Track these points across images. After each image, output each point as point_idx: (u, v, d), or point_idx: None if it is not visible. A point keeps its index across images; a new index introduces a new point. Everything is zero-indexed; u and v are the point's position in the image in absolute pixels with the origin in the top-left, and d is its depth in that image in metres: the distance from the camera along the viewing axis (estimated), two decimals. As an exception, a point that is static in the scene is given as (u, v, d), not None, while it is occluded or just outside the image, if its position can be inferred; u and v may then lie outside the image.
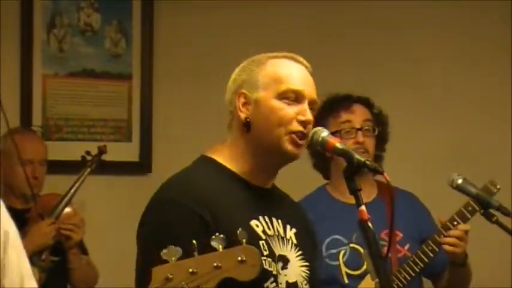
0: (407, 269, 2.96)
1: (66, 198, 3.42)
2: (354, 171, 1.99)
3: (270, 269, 2.07)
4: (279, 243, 2.13)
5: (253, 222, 2.09)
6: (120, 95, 4.04)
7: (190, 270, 1.71)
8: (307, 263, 2.18)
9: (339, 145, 2.05)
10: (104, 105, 4.02)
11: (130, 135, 4.05)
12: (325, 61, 4.09)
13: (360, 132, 3.02)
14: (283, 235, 2.15)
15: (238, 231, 1.76)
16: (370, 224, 1.96)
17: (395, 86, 4.22)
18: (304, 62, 2.18)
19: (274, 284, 2.07)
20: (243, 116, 2.11)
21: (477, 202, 2.82)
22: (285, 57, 2.17)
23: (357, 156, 1.99)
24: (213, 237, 1.74)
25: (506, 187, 4.03)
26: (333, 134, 2.98)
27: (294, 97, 2.10)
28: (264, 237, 2.09)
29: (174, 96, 4.07)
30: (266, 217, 2.12)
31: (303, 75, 2.14)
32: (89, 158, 3.58)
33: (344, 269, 2.95)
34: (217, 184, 2.09)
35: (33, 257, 3.31)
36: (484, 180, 2.94)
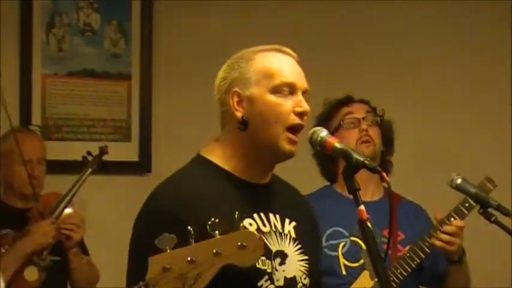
0: (404, 264, 2.96)
1: (67, 198, 3.42)
2: (353, 171, 1.99)
3: (263, 267, 2.06)
4: (277, 239, 2.12)
5: (247, 221, 2.07)
6: (120, 95, 4.04)
7: (189, 258, 1.65)
8: (306, 257, 2.17)
9: (338, 145, 2.04)
10: (104, 105, 4.02)
11: (129, 135, 4.05)
12: (324, 62, 4.10)
13: (362, 121, 3.06)
14: (280, 230, 2.13)
15: (235, 215, 1.73)
16: (369, 224, 1.95)
17: (395, 88, 4.22)
18: (291, 52, 2.17)
19: (268, 282, 2.07)
20: (239, 114, 2.09)
21: (476, 201, 2.82)
22: (272, 49, 2.15)
23: (356, 155, 1.99)
24: (209, 223, 1.69)
25: (507, 187, 4.04)
26: (336, 128, 3.04)
27: (288, 90, 2.09)
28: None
29: (174, 96, 4.07)
30: (262, 214, 2.11)
31: (293, 67, 2.13)
32: (90, 158, 3.58)
33: (342, 260, 2.96)
34: (210, 186, 2.08)
35: (34, 257, 3.32)
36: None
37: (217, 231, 1.69)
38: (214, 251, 1.67)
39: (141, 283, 1.67)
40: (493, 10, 4.31)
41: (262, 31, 4.01)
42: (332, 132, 3.00)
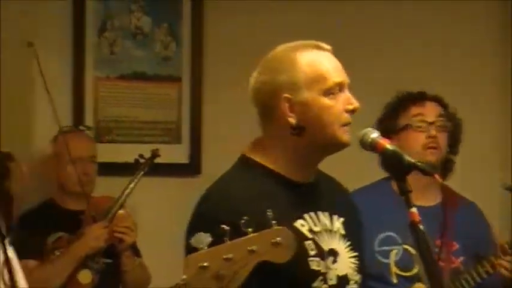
0: (458, 286, 2.89)
1: (120, 201, 3.45)
2: (404, 173, 1.98)
3: (317, 268, 2.07)
4: (327, 238, 2.12)
5: (299, 223, 2.08)
6: (170, 97, 4.07)
7: (225, 256, 1.67)
8: (356, 253, 2.17)
9: (389, 146, 2.04)
10: (154, 108, 4.04)
11: (180, 137, 4.07)
12: (366, 57, 4.09)
13: (432, 126, 2.97)
14: (330, 228, 2.13)
15: (267, 213, 1.74)
16: (421, 227, 1.94)
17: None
18: (327, 46, 2.16)
19: (322, 283, 2.07)
20: (293, 121, 2.08)
21: None
22: (311, 47, 2.14)
23: (407, 157, 1.98)
24: (242, 221, 1.71)
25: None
26: (402, 128, 2.97)
27: (338, 89, 2.09)
28: (310, 236, 2.08)
29: (224, 98, 4.07)
30: (312, 213, 2.11)
31: (336, 63, 2.13)
32: (142, 161, 3.61)
33: (394, 269, 2.90)
34: (259, 189, 2.07)
35: (87, 259, 3.35)
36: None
37: (250, 229, 1.70)
38: (249, 248, 1.69)
39: (179, 282, 1.68)
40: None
41: (312, 30, 3.99)
42: (398, 131, 2.96)
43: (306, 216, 2.10)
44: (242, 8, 4.09)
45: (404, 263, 2.89)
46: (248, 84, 2.22)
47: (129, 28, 4.01)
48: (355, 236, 2.19)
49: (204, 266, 1.67)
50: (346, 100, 2.09)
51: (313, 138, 2.09)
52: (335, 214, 2.16)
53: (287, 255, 1.73)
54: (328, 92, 2.08)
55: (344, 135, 2.09)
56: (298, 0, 4.13)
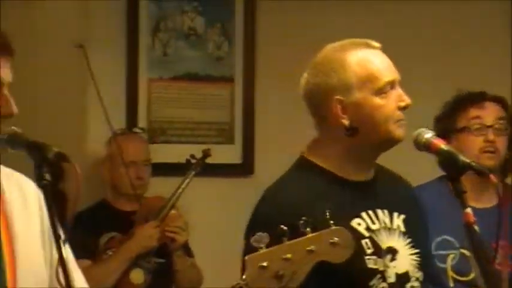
0: None
1: (171, 201, 3.47)
2: (459, 173, 1.96)
3: (374, 267, 2.07)
4: (386, 235, 2.11)
5: (355, 222, 2.08)
6: (223, 98, 4.07)
7: (284, 256, 1.69)
8: (417, 250, 2.15)
9: (443, 146, 2.02)
10: (207, 108, 4.05)
11: (233, 138, 4.07)
12: (420, 58, 4.06)
13: (490, 130, 2.89)
14: (389, 225, 2.13)
15: (327, 213, 1.76)
16: (476, 228, 1.91)
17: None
18: (376, 43, 2.15)
19: (380, 281, 2.06)
20: (346, 122, 2.08)
21: None
22: (361, 46, 2.13)
23: (462, 157, 1.96)
24: (301, 222, 1.73)
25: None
26: (460, 130, 2.91)
27: (390, 87, 2.09)
28: (367, 234, 2.08)
29: (276, 98, 4.07)
30: (370, 211, 2.11)
31: (386, 61, 2.12)
32: (193, 161, 3.62)
33: (451, 273, 2.86)
34: (316, 189, 2.08)
35: (139, 259, 3.37)
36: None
37: (309, 229, 1.72)
38: (307, 248, 1.71)
39: (239, 282, 1.69)
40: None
41: (366, 29, 3.96)
42: (456, 132, 2.90)
43: (363, 214, 2.10)
44: (294, 7, 4.08)
45: (461, 268, 2.83)
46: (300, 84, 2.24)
47: (182, 29, 4.03)
48: (417, 232, 2.18)
49: (264, 266, 1.68)
50: (398, 97, 2.09)
51: (367, 137, 2.09)
52: (395, 211, 2.16)
53: (345, 255, 1.75)
54: (380, 92, 2.08)
55: (398, 129, 2.08)
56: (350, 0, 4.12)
